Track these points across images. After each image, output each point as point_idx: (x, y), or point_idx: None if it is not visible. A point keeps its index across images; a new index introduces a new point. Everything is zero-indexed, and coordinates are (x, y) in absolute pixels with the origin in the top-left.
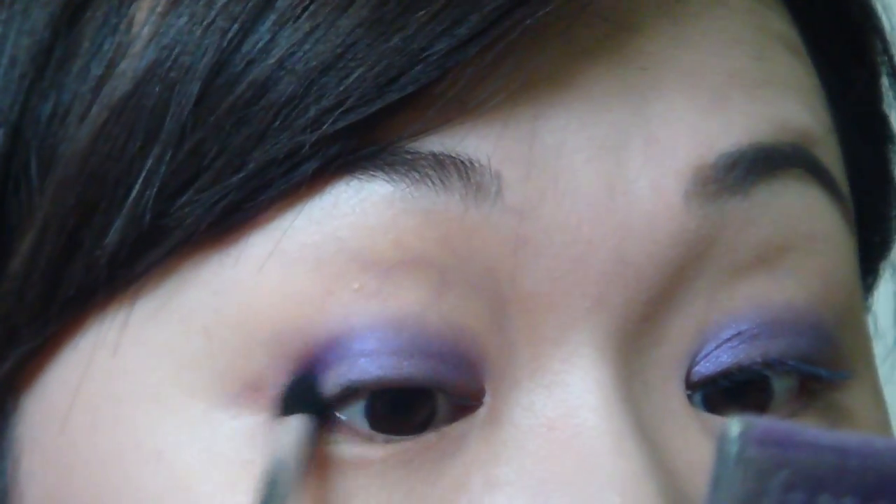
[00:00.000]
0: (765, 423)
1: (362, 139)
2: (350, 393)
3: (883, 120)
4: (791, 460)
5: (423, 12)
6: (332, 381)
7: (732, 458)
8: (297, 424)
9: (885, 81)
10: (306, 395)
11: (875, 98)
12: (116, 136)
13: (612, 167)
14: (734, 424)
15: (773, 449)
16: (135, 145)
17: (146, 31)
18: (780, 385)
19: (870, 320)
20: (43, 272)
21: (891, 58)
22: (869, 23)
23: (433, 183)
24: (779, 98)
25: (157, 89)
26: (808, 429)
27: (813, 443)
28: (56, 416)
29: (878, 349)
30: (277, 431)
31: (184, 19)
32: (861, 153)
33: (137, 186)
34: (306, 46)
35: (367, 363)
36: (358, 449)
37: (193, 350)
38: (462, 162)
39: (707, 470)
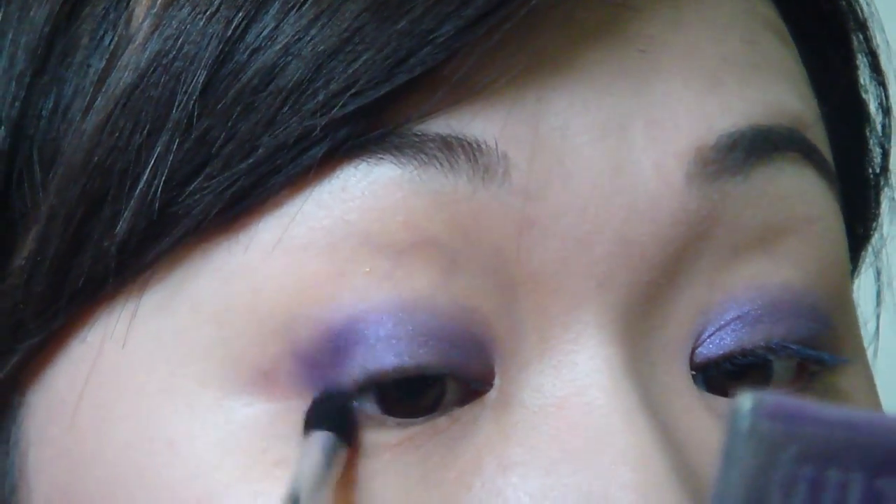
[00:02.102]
0: (776, 397)
1: (370, 122)
2: (368, 382)
3: (861, 106)
4: (801, 435)
5: None
6: (351, 374)
7: (744, 432)
8: (322, 440)
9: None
10: (331, 411)
11: (853, 84)
12: (122, 127)
13: (615, 149)
14: (746, 399)
15: (783, 423)
16: (141, 135)
17: (147, 23)
18: (781, 367)
19: None
20: (50, 265)
21: (869, 44)
22: (846, 6)
23: (441, 165)
24: (771, 82)
25: (162, 79)
26: (818, 404)
27: (823, 418)
28: (64, 410)
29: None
30: (302, 447)
31: (186, 10)
32: (841, 139)
33: (145, 176)
34: (312, 31)
35: (384, 350)
36: (371, 434)
37: (204, 338)
38: (469, 144)
39: (714, 448)
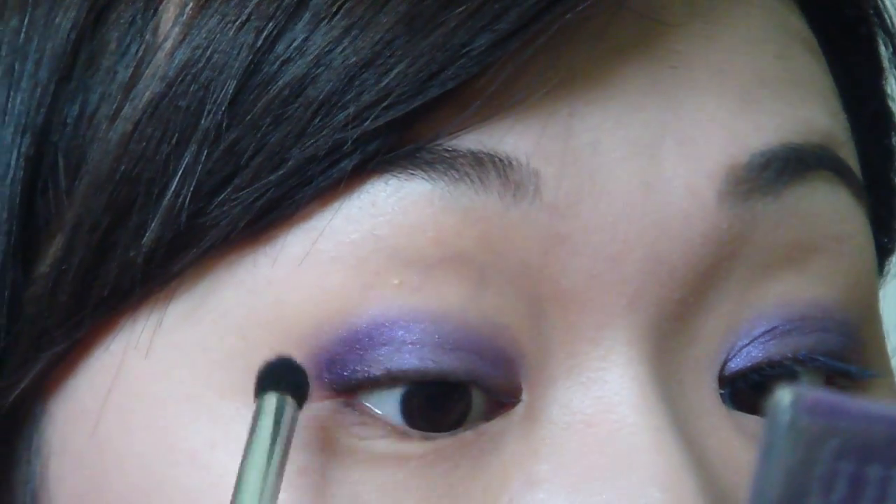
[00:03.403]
0: (816, 391)
1: (401, 136)
2: (389, 381)
3: (889, 116)
4: (841, 429)
5: (462, 8)
6: (374, 365)
7: (784, 427)
8: (272, 402)
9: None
10: (283, 373)
11: (881, 95)
12: (150, 136)
13: (647, 166)
14: (785, 393)
15: (823, 418)
16: (169, 145)
17: (175, 32)
18: (808, 380)
19: None
20: (75, 274)
21: None
22: (874, 17)
23: (472, 181)
24: (804, 100)
25: (191, 88)
26: (858, 399)
27: (863, 413)
28: (86, 419)
29: None
30: (254, 412)
31: (215, 20)
32: (868, 150)
33: (173, 186)
34: (344, 43)
35: (408, 353)
36: (394, 445)
37: (227, 349)
38: (501, 160)
39: (742, 468)
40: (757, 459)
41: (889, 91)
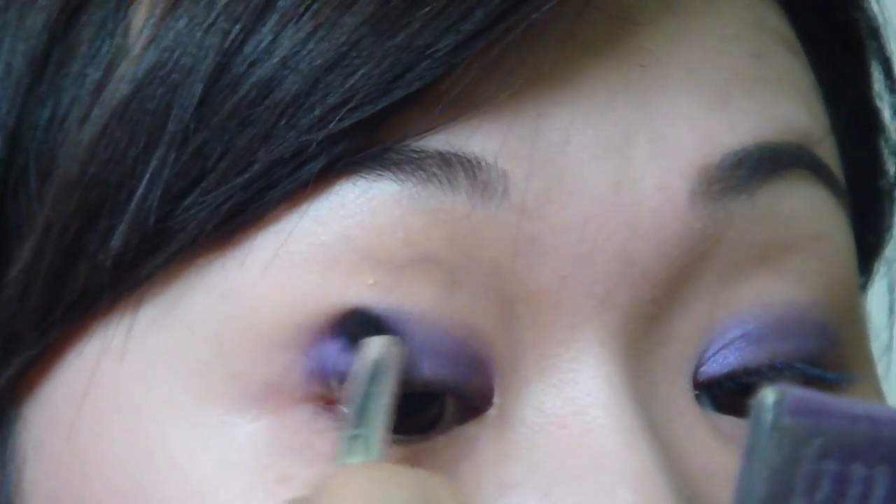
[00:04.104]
0: (799, 392)
1: (368, 138)
2: None
3: (875, 114)
4: (825, 429)
5: (427, 9)
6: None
7: (767, 427)
8: (373, 345)
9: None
10: (368, 322)
11: (867, 92)
12: (118, 140)
13: (618, 166)
14: (769, 393)
15: (807, 417)
16: (137, 148)
17: (145, 33)
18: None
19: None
20: (45, 277)
21: (882, 51)
22: (860, 16)
23: (440, 182)
24: (779, 97)
25: (158, 91)
26: (842, 398)
27: (846, 412)
28: (62, 424)
29: (873, 349)
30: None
31: (183, 21)
32: (854, 148)
33: (141, 189)
34: (310, 45)
35: None
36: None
37: (204, 355)
38: (469, 160)
39: (716, 469)
40: (741, 459)
41: (875, 89)
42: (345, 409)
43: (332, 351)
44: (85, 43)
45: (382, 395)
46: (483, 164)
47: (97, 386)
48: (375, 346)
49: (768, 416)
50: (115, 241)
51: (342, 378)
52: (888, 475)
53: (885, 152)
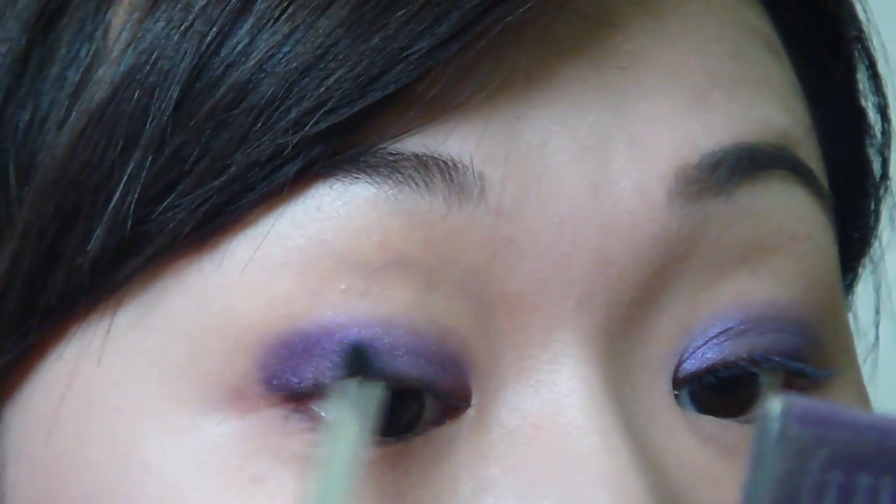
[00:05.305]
0: (805, 401)
1: (344, 141)
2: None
3: (860, 113)
4: (831, 439)
5: (402, 11)
6: (323, 371)
7: (774, 436)
8: (349, 389)
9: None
10: (353, 362)
11: (852, 92)
12: (96, 143)
13: (595, 167)
14: (775, 403)
15: (813, 427)
16: (115, 151)
17: (123, 36)
18: (767, 382)
19: (851, 319)
20: (24, 281)
21: (867, 50)
22: (845, 15)
23: (416, 185)
24: (758, 98)
25: (136, 94)
26: (848, 409)
27: (852, 422)
28: (41, 427)
29: (860, 348)
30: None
31: (161, 24)
32: (839, 148)
33: (118, 192)
34: (286, 48)
35: None
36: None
37: (178, 358)
38: (445, 163)
39: (695, 469)
40: (747, 469)
41: (860, 88)
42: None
43: (296, 358)
44: (64, 45)
45: (351, 451)
46: (459, 166)
47: (75, 389)
48: (349, 396)
49: (775, 426)
50: (93, 245)
51: (304, 384)
52: (894, 486)
53: (871, 152)
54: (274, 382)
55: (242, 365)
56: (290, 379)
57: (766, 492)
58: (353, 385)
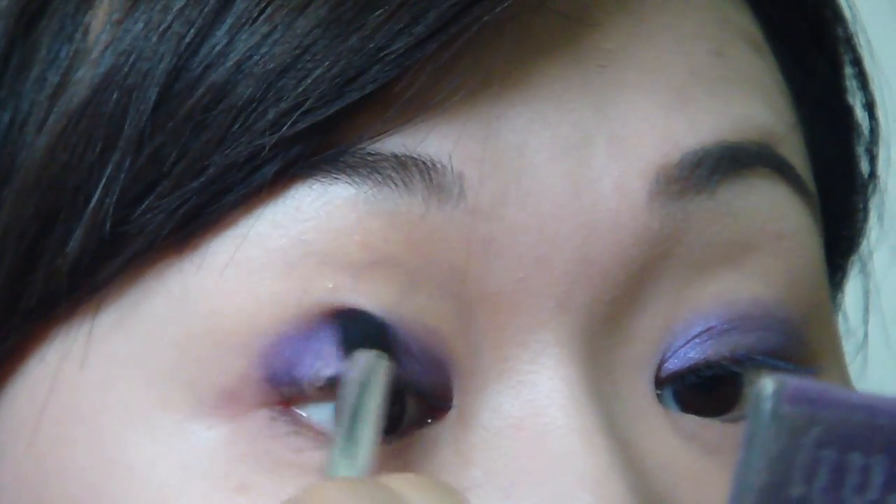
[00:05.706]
0: (798, 381)
1: (323, 141)
2: (326, 387)
3: (847, 111)
4: (823, 418)
5: (380, 11)
6: (308, 372)
7: (767, 415)
8: (362, 360)
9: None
10: (366, 331)
11: (838, 89)
12: (75, 144)
13: (576, 167)
14: (768, 382)
15: (805, 406)
16: (93, 152)
17: (103, 37)
18: (750, 381)
19: (840, 318)
20: (3, 282)
21: (853, 48)
22: (830, 13)
23: (396, 185)
24: (740, 96)
25: (114, 96)
26: (840, 388)
27: (845, 401)
28: (24, 430)
29: (849, 346)
30: (345, 371)
31: (140, 25)
32: (826, 146)
33: (97, 194)
34: (264, 49)
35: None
36: (325, 453)
37: (164, 362)
38: (424, 163)
39: (678, 469)
40: (740, 448)
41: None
42: (329, 429)
43: (290, 356)
44: (44, 47)
45: (371, 411)
46: (438, 165)
47: (58, 392)
48: (364, 360)
49: (767, 405)
50: (72, 247)
51: (298, 383)
52: (886, 464)
53: (859, 150)
54: (263, 386)
55: (238, 367)
56: (279, 381)
57: (759, 470)
58: (360, 355)
